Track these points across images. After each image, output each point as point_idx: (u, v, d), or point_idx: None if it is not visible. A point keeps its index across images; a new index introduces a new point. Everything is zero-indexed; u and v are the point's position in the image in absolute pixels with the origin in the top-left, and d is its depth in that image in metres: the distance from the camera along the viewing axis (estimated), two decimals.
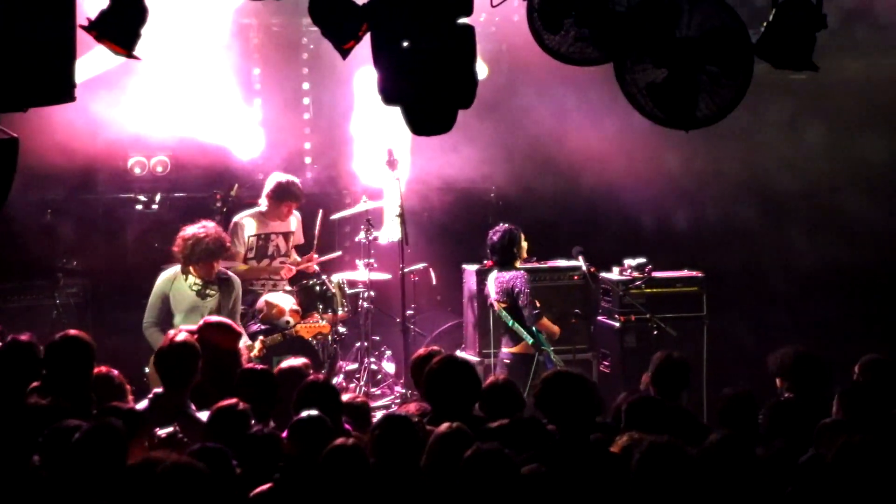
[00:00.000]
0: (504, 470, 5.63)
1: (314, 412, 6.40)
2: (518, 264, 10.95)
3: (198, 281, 10.06)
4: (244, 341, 9.58)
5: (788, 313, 12.67)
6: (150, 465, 5.36)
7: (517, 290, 10.75)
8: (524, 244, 11.01)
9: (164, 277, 10.19)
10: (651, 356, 8.46)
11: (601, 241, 12.45)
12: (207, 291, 10.07)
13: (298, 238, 11.99)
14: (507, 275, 10.87)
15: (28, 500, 5.68)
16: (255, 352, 10.07)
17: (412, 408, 7.74)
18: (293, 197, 11.64)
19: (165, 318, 10.09)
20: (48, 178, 12.21)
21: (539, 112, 12.87)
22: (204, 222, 10.38)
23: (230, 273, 10.34)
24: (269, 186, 11.64)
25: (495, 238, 11.01)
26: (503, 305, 10.77)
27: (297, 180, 11.75)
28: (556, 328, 10.92)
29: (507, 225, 11.05)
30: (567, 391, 6.63)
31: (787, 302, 12.90)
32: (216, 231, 10.26)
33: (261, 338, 10.39)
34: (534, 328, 10.65)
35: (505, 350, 10.95)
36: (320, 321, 11.02)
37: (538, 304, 10.83)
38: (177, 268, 10.17)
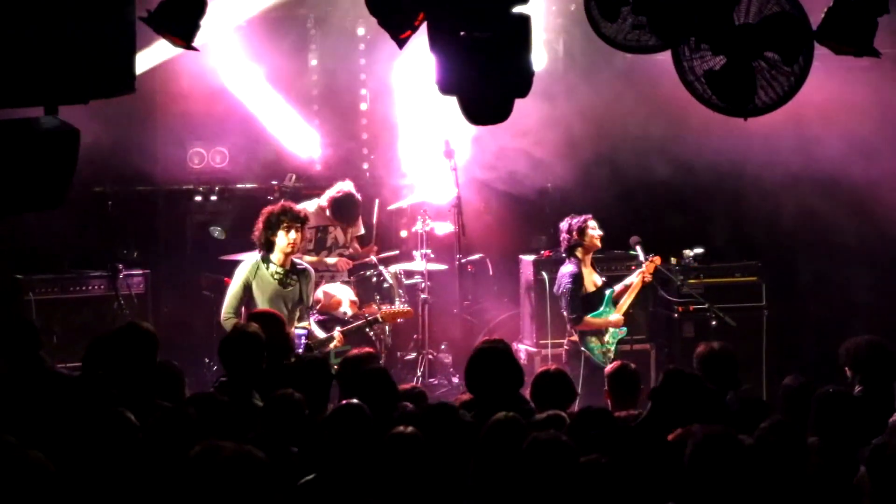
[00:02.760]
0: (564, 459, 5.61)
1: (354, 401, 6.44)
2: (579, 254, 10.87)
3: (279, 269, 9.93)
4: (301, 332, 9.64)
5: (853, 306, 12.52)
6: (212, 452, 5.38)
7: (560, 287, 10.73)
8: (593, 233, 10.88)
9: (245, 267, 9.99)
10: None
11: (660, 230, 12.38)
12: (289, 280, 9.98)
13: (358, 229, 12.03)
14: (561, 269, 10.86)
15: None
16: (334, 343, 10.03)
17: (464, 398, 7.75)
18: (348, 221, 11.67)
19: (246, 308, 9.89)
20: (108, 169, 12.34)
21: (596, 102, 12.80)
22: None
23: (304, 263, 10.33)
24: (331, 198, 11.62)
25: (561, 225, 10.93)
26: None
27: (356, 198, 11.70)
28: (612, 320, 10.75)
29: (573, 216, 10.96)
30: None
31: (852, 294, 12.75)
32: (291, 205, 10.21)
33: (338, 328, 10.31)
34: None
35: (567, 337, 10.93)
36: (401, 307, 11.03)
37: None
38: (257, 257, 10.09)
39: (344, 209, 11.62)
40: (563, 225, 10.86)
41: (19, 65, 6.60)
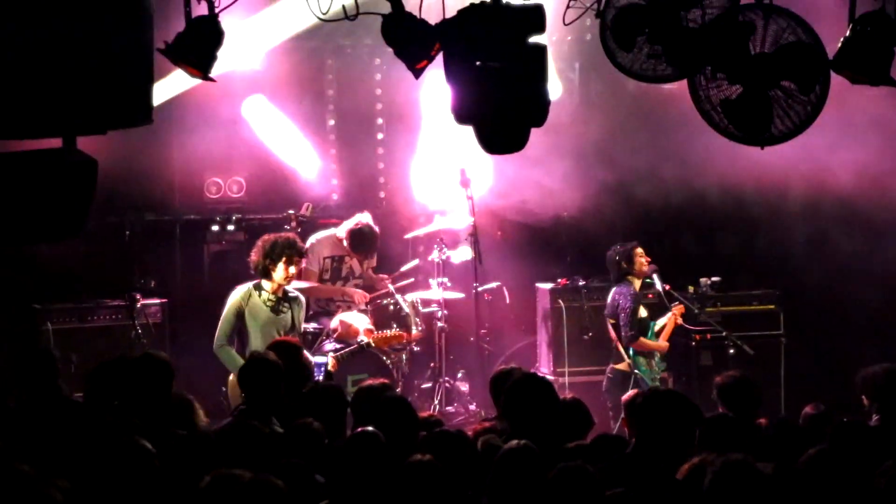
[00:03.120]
0: (590, 490, 5.60)
1: (370, 429, 6.44)
2: (632, 279, 11.00)
3: (271, 297, 10.07)
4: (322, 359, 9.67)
5: (868, 334, 12.46)
6: (230, 481, 5.39)
7: (618, 306, 10.82)
8: (641, 259, 11.00)
9: (238, 293, 10.16)
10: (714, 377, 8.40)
11: (676, 259, 12.36)
12: (281, 307, 10.10)
13: (372, 262, 12.05)
14: (615, 291, 11.03)
15: None
16: (329, 365, 10.11)
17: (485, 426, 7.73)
18: (365, 252, 11.70)
19: (238, 335, 10.07)
20: (125, 199, 12.39)
21: (611, 130, 12.82)
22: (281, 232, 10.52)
23: (297, 291, 10.39)
24: (349, 230, 11.65)
25: (608, 254, 11.17)
26: (611, 322, 10.98)
27: (374, 231, 11.74)
28: (662, 345, 10.93)
29: (619, 244, 11.18)
30: (662, 409, 6.61)
31: (868, 321, 12.69)
32: (293, 236, 10.36)
33: (331, 354, 10.41)
34: (630, 348, 10.75)
35: (611, 365, 11.04)
36: (393, 331, 11.08)
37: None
38: (249, 284, 10.20)
39: (362, 241, 11.64)
40: (610, 254, 11.13)
41: (37, 96, 6.64)
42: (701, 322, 11.49)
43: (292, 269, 10.11)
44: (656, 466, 6.29)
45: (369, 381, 8.24)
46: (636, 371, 10.71)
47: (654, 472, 6.15)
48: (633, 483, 5.78)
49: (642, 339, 10.90)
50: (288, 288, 10.25)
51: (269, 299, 10.08)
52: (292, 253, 10.09)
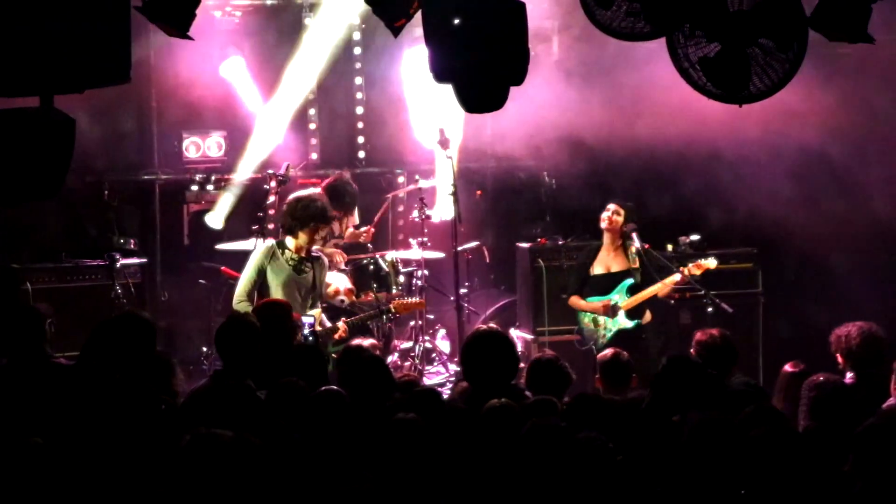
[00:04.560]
0: (561, 444, 5.65)
1: (333, 388, 6.49)
2: (604, 237, 11.11)
3: (294, 256, 9.96)
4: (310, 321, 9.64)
5: (848, 292, 12.55)
6: (211, 439, 5.42)
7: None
8: (606, 215, 11.09)
9: (261, 251, 9.98)
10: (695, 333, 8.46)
11: (656, 217, 12.39)
12: (303, 267, 10.00)
13: (353, 220, 12.05)
14: None
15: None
16: (338, 333, 10.02)
17: (463, 387, 7.79)
18: (345, 207, 11.69)
19: (259, 293, 9.86)
20: (104, 159, 12.34)
21: (591, 89, 12.80)
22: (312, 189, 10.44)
23: (320, 251, 10.35)
24: (327, 184, 11.67)
25: None
26: None
27: (352, 186, 11.73)
28: (593, 305, 10.93)
29: None
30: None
31: (847, 279, 12.77)
32: (328, 202, 10.26)
33: (343, 319, 10.33)
34: None
35: None
36: (413, 298, 11.11)
37: None
38: (272, 241, 10.11)
39: (340, 197, 11.63)
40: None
41: (14, 54, 6.59)
42: (680, 280, 11.50)
43: (317, 236, 10.07)
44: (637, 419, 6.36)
45: (355, 341, 8.29)
46: (579, 328, 10.82)
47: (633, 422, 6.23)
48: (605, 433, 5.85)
49: (574, 297, 10.94)
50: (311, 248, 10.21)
51: (291, 258, 9.95)
52: (321, 220, 10.02)
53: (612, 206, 11.02)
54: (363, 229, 12.04)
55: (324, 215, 10.00)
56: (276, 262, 9.89)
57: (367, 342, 8.27)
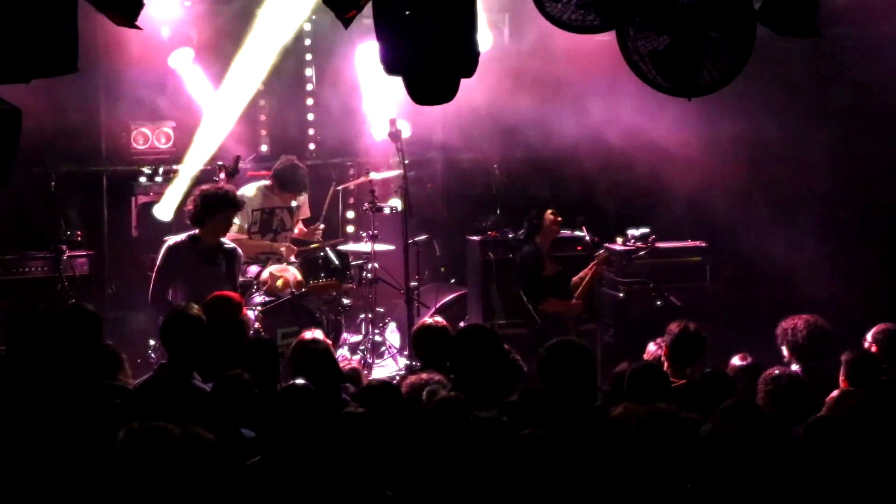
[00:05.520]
0: (502, 437, 5.66)
1: (301, 381, 6.47)
2: (539, 239, 11.34)
3: (206, 247, 9.97)
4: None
5: (792, 285, 12.68)
6: (158, 433, 5.37)
7: (522, 269, 11.22)
8: (551, 217, 11.34)
9: (171, 244, 10.02)
10: (653, 326, 8.52)
11: (604, 211, 12.45)
12: (216, 258, 9.96)
13: (305, 212, 12.00)
14: (520, 253, 11.41)
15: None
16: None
17: (414, 379, 7.77)
18: (298, 188, 11.70)
19: (173, 288, 9.91)
20: (51, 149, 12.22)
21: (542, 82, 12.84)
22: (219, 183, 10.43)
23: (233, 243, 10.29)
24: (276, 169, 11.66)
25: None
26: (519, 285, 11.35)
27: (302, 168, 11.76)
28: (571, 304, 11.05)
29: None
30: (570, 360, 6.73)
31: (792, 273, 12.91)
32: (231, 188, 10.24)
33: (257, 308, 10.37)
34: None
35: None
36: (327, 280, 11.19)
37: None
38: (184, 235, 10.08)
39: (291, 177, 11.60)
40: (526, 217, 11.48)
41: None
42: (629, 274, 11.58)
43: (227, 223, 10.02)
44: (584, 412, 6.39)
45: (305, 334, 8.27)
46: None
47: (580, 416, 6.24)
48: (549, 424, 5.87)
49: (551, 299, 11.05)
50: (224, 240, 10.14)
51: (202, 250, 9.94)
52: (228, 206, 9.97)
53: (552, 210, 11.19)
54: (313, 227, 11.97)
55: (230, 200, 9.96)
56: (188, 255, 9.84)
57: (317, 334, 8.23)
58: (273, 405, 6.39)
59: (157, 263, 10.01)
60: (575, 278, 11.34)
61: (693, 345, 8.11)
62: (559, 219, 11.32)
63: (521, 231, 11.64)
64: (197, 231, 10.02)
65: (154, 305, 9.87)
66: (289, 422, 6.18)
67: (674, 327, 8.24)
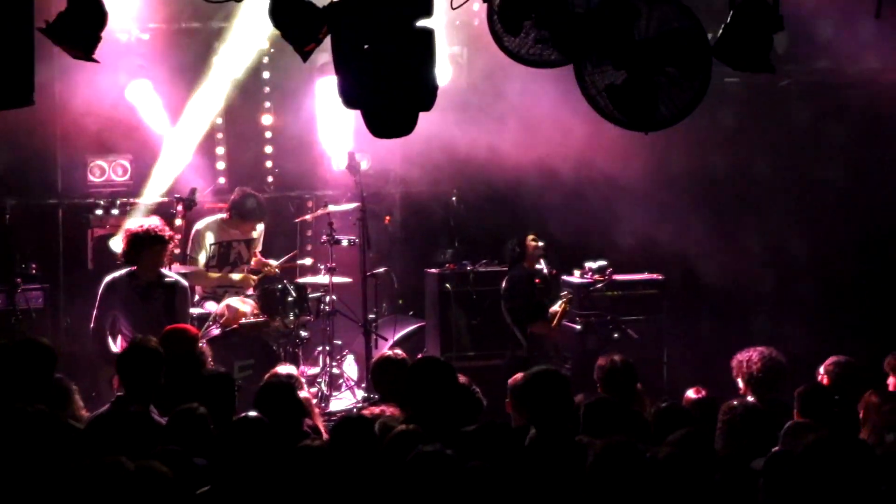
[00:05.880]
0: (445, 470, 5.64)
1: (253, 413, 6.44)
2: (526, 264, 11.42)
3: (142, 283, 9.86)
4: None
5: (747, 317, 12.78)
6: (114, 468, 5.33)
7: (513, 290, 11.40)
8: (532, 243, 11.41)
9: (107, 280, 9.94)
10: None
11: (562, 244, 12.49)
12: (152, 294, 9.89)
13: (259, 245, 11.97)
14: (509, 276, 11.49)
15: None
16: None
17: (385, 410, 7.74)
18: (255, 217, 11.66)
19: (113, 322, 9.83)
20: (6, 181, 12.14)
21: (500, 115, 12.90)
22: (145, 219, 10.32)
23: (177, 276, 10.18)
24: (232, 200, 11.64)
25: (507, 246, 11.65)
26: (507, 307, 11.38)
27: (259, 198, 11.75)
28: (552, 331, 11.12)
29: None
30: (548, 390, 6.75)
31: (747, 305, 13.01)
32: (155, 225, 10.11)
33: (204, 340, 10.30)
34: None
35: (510, 353, 11.40)
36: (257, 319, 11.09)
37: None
38: (124, 271, 10.00)
39: (247, 207, 11.57)
40: (507, 245, 11.55)
41: None
42: (586, 307, 11.62)
43: (159, 258, 9.97)
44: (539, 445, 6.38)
45: (280, 368, 8.26)
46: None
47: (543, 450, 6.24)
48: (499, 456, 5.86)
49: (541, 322, 11.09)
50: (166, 273, 10.07)
51: (139, 286, 9.88)
52: (153, 243, 9.89)
53: (532, 235, 11.27)
54: (271, 263, 11.90)
55: (155, 238, 9.88)
56: (124, 291, 9.78)
57: (284, 369, 8.22)
58: (225, 437, 6.35)
59: (98, 299, 9.92)
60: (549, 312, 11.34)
61: (626, 375, 8.14)
62: (541, 244, 11.32)
63: (502, 260, 11.80)
64: (135, 267, 9.95)
65: (92, 337, 9.80)
66: (240, 453, 6.14)
67: (602, 362, 8.27)
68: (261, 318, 11.08)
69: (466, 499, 5.56)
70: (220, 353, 10.26)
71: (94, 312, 9.89)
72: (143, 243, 9.83)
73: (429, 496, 5.58)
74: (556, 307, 11.21)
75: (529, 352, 11.03)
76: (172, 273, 10.18)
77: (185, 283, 10.19)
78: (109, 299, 9.83)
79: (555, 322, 11.17)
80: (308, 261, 12.51)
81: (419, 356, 11.37)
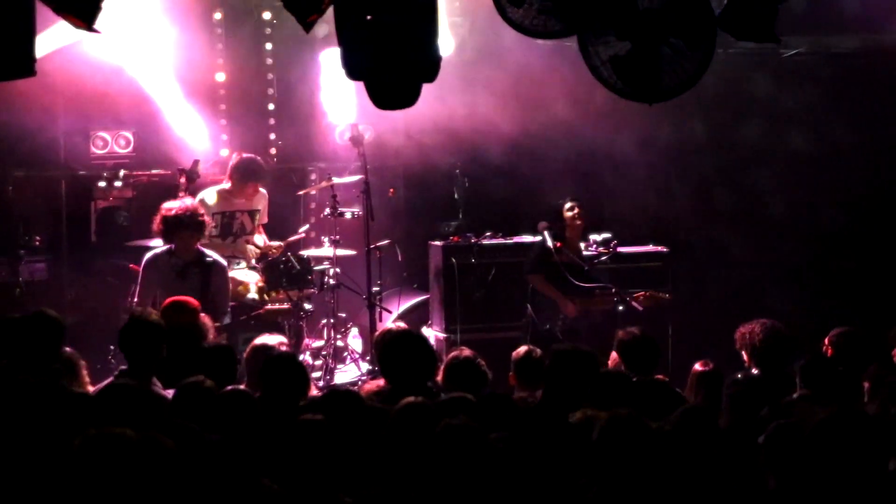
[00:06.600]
0: (475, 443, 5.65)
1: (239, 387, 6.45)
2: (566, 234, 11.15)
3: (180, 261, 9.97)
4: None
5: (754, 290, 12.76)
6: (117, 438, 5.33)
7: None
8: (568, 213, 11.10)
9: (148, 257, 10.07)
10: (615, 331, 8.53)
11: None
12: (189, 272, 9.96)
13: (264, 217, 11.94)
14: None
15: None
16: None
17: (372, 386, 7.77)
18: (256, 176, 11.62)
19: (154, 300, 9.85)
20: (9, 154, 12.13)
21: (504, 86, 12.85)
22: (183, 199, 10.36)
23: (216, 256, 10.25)
24: (231, 165, 11.62)
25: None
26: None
27: (259, 159, 11.73)
28: (567, 302, 11.02)
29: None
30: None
31: (753, 278, 12.99)
32: (190, 211, 10.18)
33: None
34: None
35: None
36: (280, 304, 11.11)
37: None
38: (163, 248, 10.09)
39: (246, 168, 11.53)
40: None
41: None
42: (591, 279, 11.58)
43: (191, 241, 10.03)
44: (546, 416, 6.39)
45: (264, 338, 8.24)
46: (535, 307, 11.01)
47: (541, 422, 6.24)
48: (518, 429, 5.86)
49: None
50: (206, 252, 10.17)
51: (177, 264, 9.95)
52: (185, 229, 9.99)
53: (573, 204, 11.08)
54: (274, 244, 11.88)
55: (187, 225, 9.98)
56: (163, 268, 9.85)
57: (274, 339, 8.21)
58: (215, 411, 6.36)
59: (140, 275, 10.06)
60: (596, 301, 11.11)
61: (646, 348, 8.12)
62: (577, 210, 11.13)
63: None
64: (173, 245, 10.04)
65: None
66: (232, 426, 6.15)
67: (622, 334, 8.26)
68: (286, 305, 11.13)
69: (493, 470, 5.58)
70: (224, 326, 10.29)
71: (136, 289, 10.04)
72: (176, 226, 9.97)
73: (459, 468, 5.58)
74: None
75: (534, 312, 10.97)
76: (212, 252, 10.24)
77: (223, 262, 10.29)
78: (150, 276, 9.98)
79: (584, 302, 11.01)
80: (304, 228, 12.49)
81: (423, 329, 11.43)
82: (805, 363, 7.58)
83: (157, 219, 10.12)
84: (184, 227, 9.98)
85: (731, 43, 7.57)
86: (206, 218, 10.31)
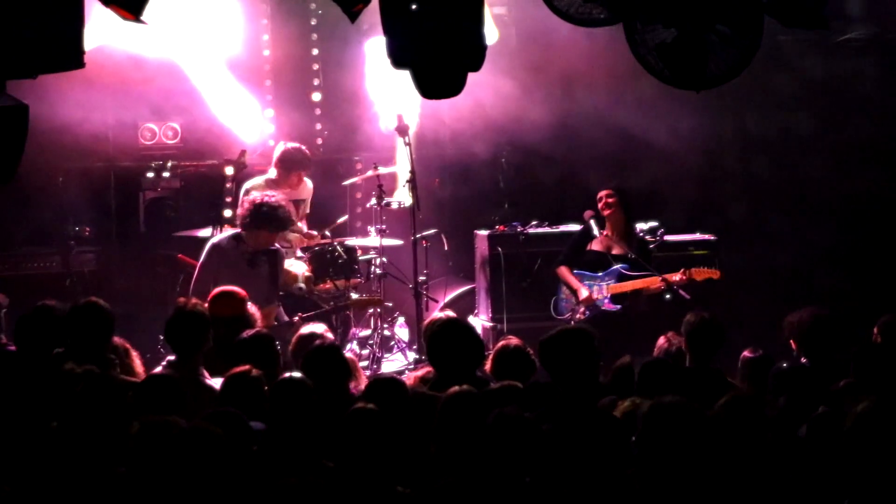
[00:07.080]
0: (528, 434, 5.65)
1: (297, 374, 6.46)
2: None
3: (249, 249, 10.03)
4: None
5: (803, 276, 12.67)
6: (166, 427, 5.39)
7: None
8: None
9: (214, 244, 10.15)
10: (662, 320, 8.48)
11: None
12: (257, 260, 10.02)
13: (307, 206, 11.98)
14: None
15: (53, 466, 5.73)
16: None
17: (420, 373, 7.79)
18: (301, 165, 11.66)
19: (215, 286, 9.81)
20: (58, 145, 12.23)
21: (550, 75, 12.82)
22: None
23: (277, 245, 10.34)
24: (276, 155, 11.66)
25: None
26: None
27: (303, 147, 11.76)
28: (574, 285, 10.95)
29: None
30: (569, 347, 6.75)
31: (802, 264, 12.89)
32: (286, 210, 10.25)
33: (299, 314, 10.34)
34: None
35: None
36: (370, 296, 11.34)
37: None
38: (230, 233, 10.14)
39: (291, 156, 11.57)
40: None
41: None
42: (638, 266, 11.52)
43: (269, 240, 10.13)
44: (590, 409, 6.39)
45: (310, 327, 8.27)
46: (558, 297, 11.01)
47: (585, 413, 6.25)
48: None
49: (563, 268, 10.95)
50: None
51: (245, 251, 10.01)
52: (272, 227, 10.08)
53: (603, 192, 10.99)
54: (313, 234, 11.92)
55: (276, 223, 10.06)
56: (230, 255, 9.89)
57: (319, 329, 8.23)
58: (270, 399, 6.39)
59: (200, 261, 10.11)
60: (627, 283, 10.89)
61: (712, 334, 8.06)
62: (605, 200, 10.99)
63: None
64: (241, 231, 10.07)
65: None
66: (286, 415, 6.18)
67: (691, 318, 8.19)
68: (375, 297, 11.25)
69: (544, 460, 5.58)
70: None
71: (196, 275, 10.05)
72: (263, 222, 10.02)
73: (511, 458, 5.59)
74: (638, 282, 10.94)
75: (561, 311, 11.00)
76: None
77: (282, 249, 10.33)
78: (214, 262, 10.01)
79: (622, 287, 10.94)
80: (343, 218, 12.50)
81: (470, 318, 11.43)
82: (856, 351, 7.52)
83: (247, 206, 10.14)
84: (268, 225, 10.03)
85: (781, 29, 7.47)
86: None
